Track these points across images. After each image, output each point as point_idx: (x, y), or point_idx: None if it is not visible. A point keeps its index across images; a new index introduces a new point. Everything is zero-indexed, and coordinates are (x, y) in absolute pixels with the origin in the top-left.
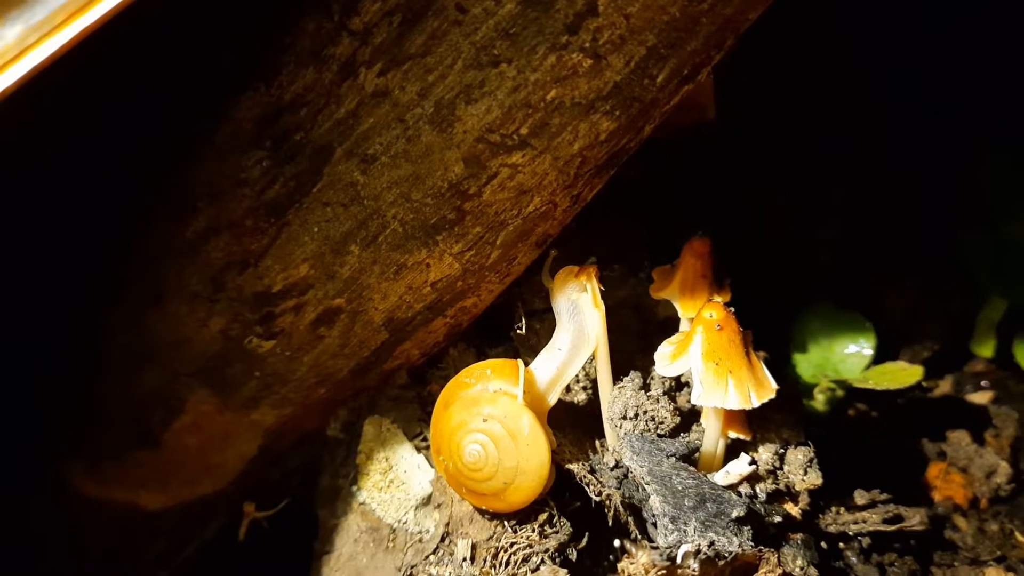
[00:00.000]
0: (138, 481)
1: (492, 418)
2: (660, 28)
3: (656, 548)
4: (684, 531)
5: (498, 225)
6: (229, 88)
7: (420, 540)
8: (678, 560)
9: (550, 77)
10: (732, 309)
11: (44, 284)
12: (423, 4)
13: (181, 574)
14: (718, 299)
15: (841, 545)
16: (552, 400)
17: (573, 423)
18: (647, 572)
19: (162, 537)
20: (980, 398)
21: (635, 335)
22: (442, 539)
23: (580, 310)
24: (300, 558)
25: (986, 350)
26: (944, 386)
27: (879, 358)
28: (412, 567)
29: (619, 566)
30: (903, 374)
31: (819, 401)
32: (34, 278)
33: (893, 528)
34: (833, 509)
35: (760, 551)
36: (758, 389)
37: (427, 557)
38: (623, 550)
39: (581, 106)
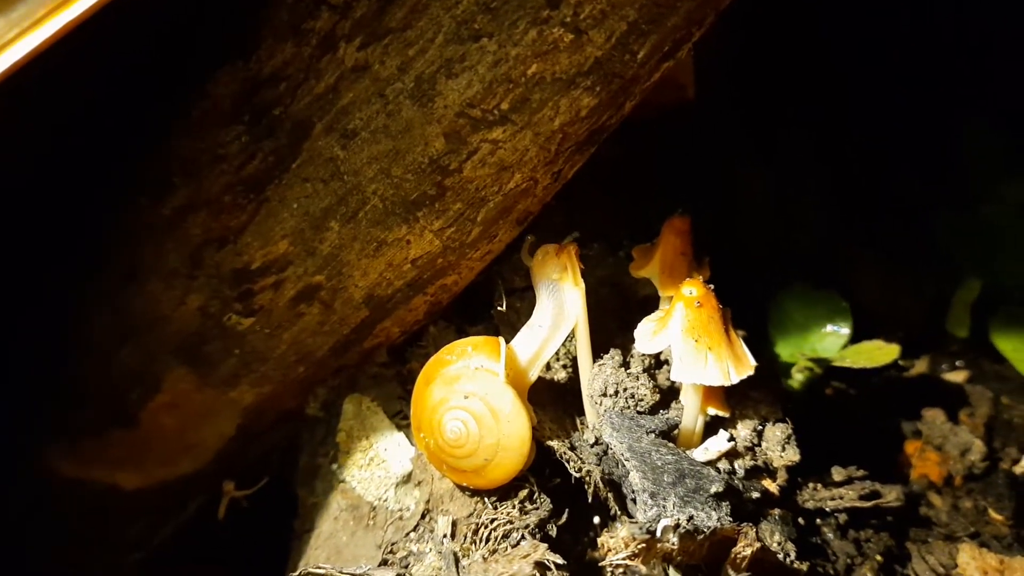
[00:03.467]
0: (116, 461)
1: (473, 395)
2: (641, 3)
3: (636, 523)
4: (663, 506)
5: (479, 202)
6: (205, 63)
7: (400, 517)
8: (657, 534)
9: (531, 52)
10: (712, 287)
11: (18, 262)
12: None
13: (159, 554)
14: (698, 277)
15: (818, 521)
16: (533, 377)
17: (553, 400)
18: (627, 545)
19: (140, 517)
20: (955, 377)
21: (615, 313)
22: (422, 516)
23: (560, 288)
24: (279, 537)
25: (961, 330)
26: (920, 366)
27: (856, 338)
28: (392, 544)
29: (599, 540)
30: (879, 353)
31: (796, 380)
32: (8, 256)
33: (869, 504)
34: (811, 485)
35: (739, 526)
36: (737, 365)
37: (407, 534)
38: (603, 525)
39: (562, 81)
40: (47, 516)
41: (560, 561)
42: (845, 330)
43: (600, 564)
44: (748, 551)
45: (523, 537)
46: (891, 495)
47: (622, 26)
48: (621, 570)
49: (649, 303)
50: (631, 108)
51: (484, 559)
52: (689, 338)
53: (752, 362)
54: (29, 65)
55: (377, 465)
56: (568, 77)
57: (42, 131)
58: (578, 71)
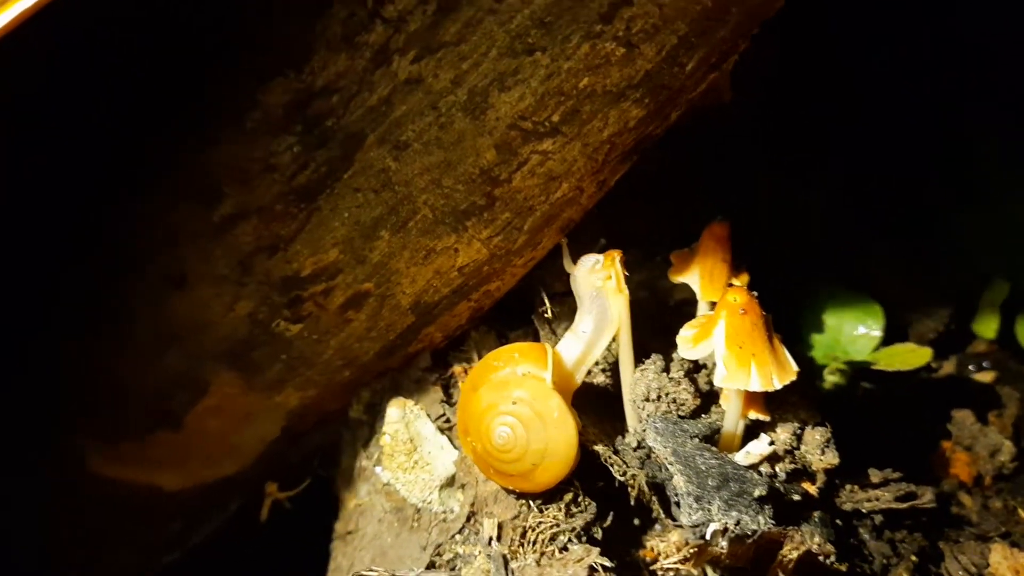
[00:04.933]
0: (157, 462)
1: (521, 401)
2: (692, 17)
3: (682, 527)
4: (708, 510)
5: (526, 211)
6: (258, 73)
7: (445, 520)
8: (707, 538)
9: (583, 65)
10: (755, 294)
11: (64, 265)
12: None
13: (196, 554)
14: (737, 282)
15: (855, 522)
16: (578, 382)
17: (593, 405)
18: (679, 550)
19: (179, 517)
20: (983, 378)
21: (651, 318)
22: (468, 519)
23: (604, 294)
24: (317, 537)
25: (989, 330)
26: (947, 366)
27: (885, 339)
28: (438, 546)
29: (648, 544)
30: (912, 355)
31: (828, 382)
32: (53, 254)
33: (905, 505)
34: (847, 487)
35: (785, 529)
36: (780, 372)
37: (453, 536)
38: (644, 528)
39: (612, 94)
40: (86, 515)
41: (609, 564)
42: (876, 332)
43: (651, 568)
44: (795, 554)
45: (570, 540)
46: (926, 496)
47: (672, 39)
48: (672, 574)
49: (686, 307)
50: (676, 118)
51: (537, 563)
52: (733, 345)
53: (795, 368)
54: (85, 68)
55: (421, 468)
56: (618, 90)
57: (91, 135)
58: (628, 84)
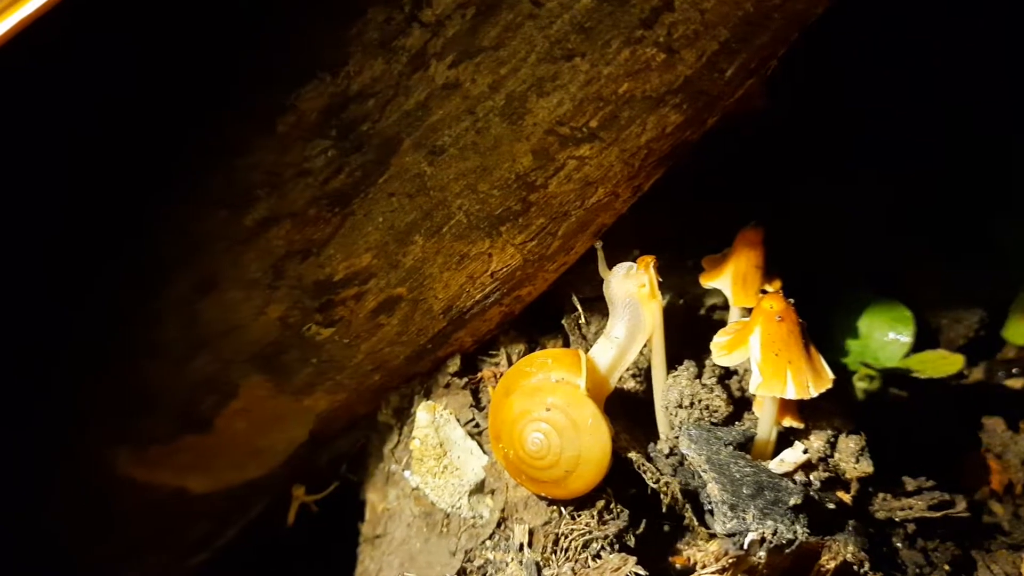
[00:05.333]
0: (186, 465)
1: (555, 407)
2: (734, 23)
3: (716, 535)
4: (743, 519)
5: (561, 216)
6: (292, 77)
7: (474, 525)
8: (745, 548)
9: (623, 71)
10: (792, 300)
11: (94, 266)
12: None
13: (222, 556)
14: (770, 288)
15: (887, 531)
16: (611, 388)
17: (624, 411)
18: (717, 560)
19: (206, 519)
20: (1014, 384)
21: (682, 323)
22: (498, 524)
23: (637, 300)
24: (343, 541)
25: (1019, 337)
26: (976, 373)
27: (915, 345)
28: (468, 551)
29: (685, 553)
30: (944, 363)
31: (858, 388)
32: (84, 259)
33: (939, 514)
34: (880, 495)
35: (823, 539)
36: (816, 380)
37: (483, 542)
38: (674, 536)
39: (651, 99)
40: (115, 520)
41: (644, 573)
42: (906, 338)
43: None
44: (832, 564)
45: (602, 548)
46: (960, 505)
47: (713, 45)
48: None
49: (716, 313)
50: (712, 123)
51: (573, 571)
52: (769, 352)
53: (831, 376)
54: (117, 73)
55: (451, 473)
56: (658, 95)
57: (121, 139)
58: (667, 89)
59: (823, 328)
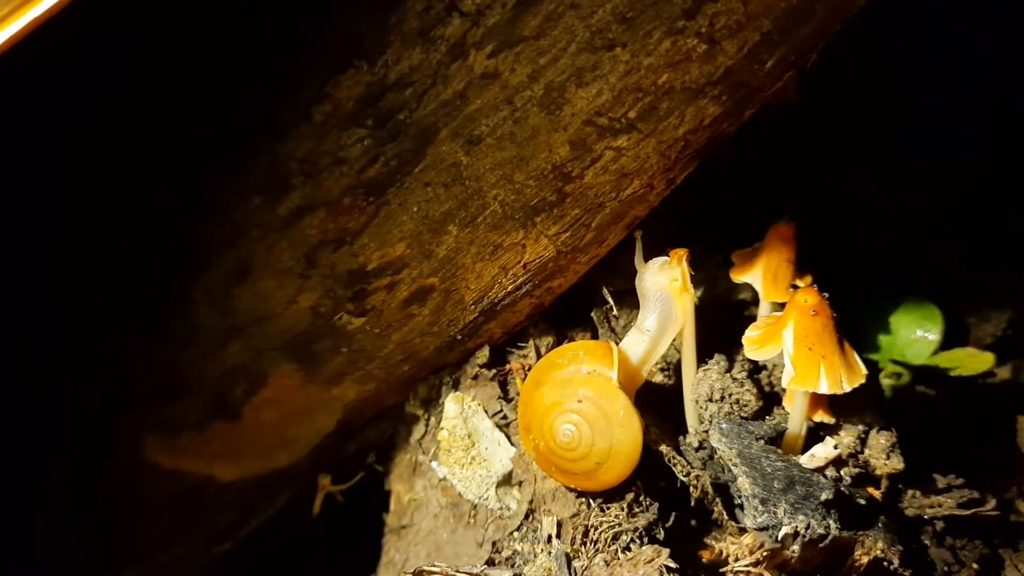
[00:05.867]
0: (214, 453)
1: (587, 399)
2: (776, 14)
3: (746, 529)
4: (774, 513)
5: (596, 207)
6: (330, 65)
7: (501, 517)
8: (779, 541)
9: (663, 62)
10: (826, 295)
11: (128, 253)
12: None
13: (246, 545)
14: (801, 284)
15: (917, 528)
16: (642, 380)
17: (653, 404)
18: (751, 552)
19: (232, 508)
20: None
21: (712, 318)
22: (526, 516)
23: (669, 293)
24: (368, 531)
25: None
26: (1004, 372)
27: (944, 343)
28: (496, 543)
29: (717, 546)
30: (973, 361)
31: (886, 385)
32: (119, 246)
33: (968, 512)
34: (910, 493)
35: (855, 534)
36: (849, 375)
37: (511, 533)
38: (702, 530)
39: (691, 91)
40: (144, 508)
41: (675, 566)
42: (934, 336)
43: (719, 570)
44: (865, 559)
45: (632, 540)
46: (989, 504)
47: (755, 36)
48: None
49: (747, 307)
50: (749, 115)
51: (606, 563)
52: (802, 347)
53: (864, 371)
54: (156, 61)
55: (479, 464)
56: (697, 87)
57: (160, 125)
58: (707, 80)
59: (851, 325)
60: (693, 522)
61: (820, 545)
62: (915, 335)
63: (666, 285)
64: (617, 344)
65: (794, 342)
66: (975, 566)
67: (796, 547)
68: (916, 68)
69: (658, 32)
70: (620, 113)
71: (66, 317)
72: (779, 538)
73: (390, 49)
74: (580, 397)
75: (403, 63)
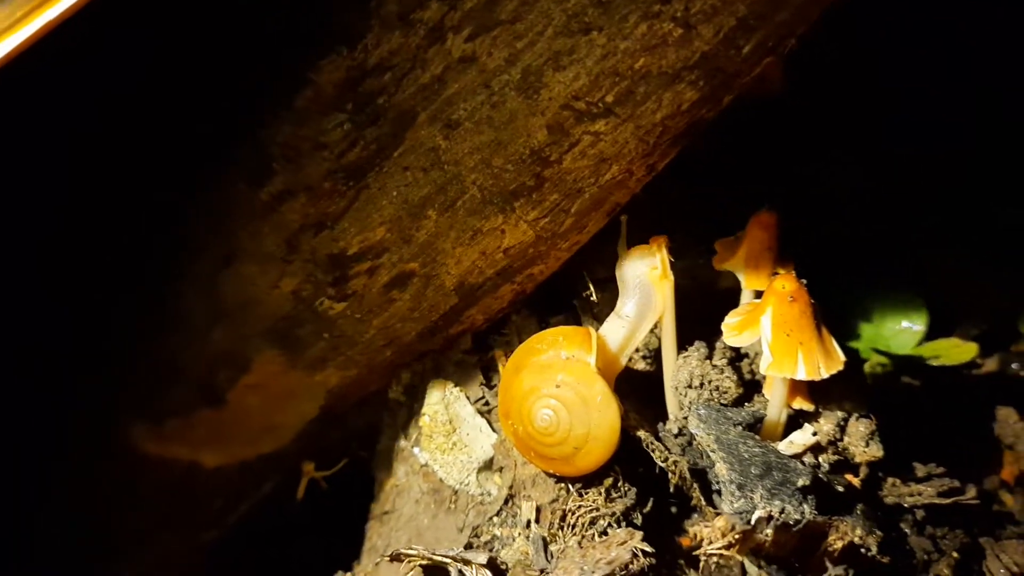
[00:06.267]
0: (200, 439)
1: (565, 384)
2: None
3: (733, 513)
4: (751, 498)
5: (575, 193)
6: (309, 50)
7: (482, 502)
8: (752, 524)
9: (640, 46)
10: (804, 281)
11: (114, 240)
12: None
13: (233, 532)
14: (788, 271)
15: (896, 516)
16: (621, 366)
17: (633, 390)
18: (724, 535)
19: (218, 495)
20: None
21: (694, 305)
22: (505, 501)
23: (648, 280)
24: (352, 516)
25: None
26: (990, 364)
27: (928, 334)
28: (475, 527)
29: (691, 530)
30: (956, 351)
31: (869, 375)
32: (105, 233)
33: (948, 501)
34: (890, 480)
35: (830, 519)
36: (827, 361)
37: (490, 519)
38: (681, 515)
39: (667, 75)
40: (133, 497)
41: (650, 550)
42: (919, 327)
43: (693, 553)
44: (840, 544)
45: (609, 525)
46: (969, 493)
47: (731, 21)
48: (715, 559)
49: (730, 295)
50: (728, 102)
51: (580, 545)
52: (780, 333)
53: (842, 358)
54: (138, 51)
55: (460, 450)
56: (674, 71)
57: (146, 113)
58: (684, 65)
59: (836, 314)
60: (673, 509)
61: (793, 529)
62: (900, 326)
63: (646, 272)
64: (597, 330)
65: (772, 328)
66: (955, 555)
67: (769, 531)
68: (901, 56)
69: (634, 16)
70: (597, 97)
71: (59, 311)
72: (752, 522)
73: (370, 33)
74: (558, 382)
75: (382, 47)
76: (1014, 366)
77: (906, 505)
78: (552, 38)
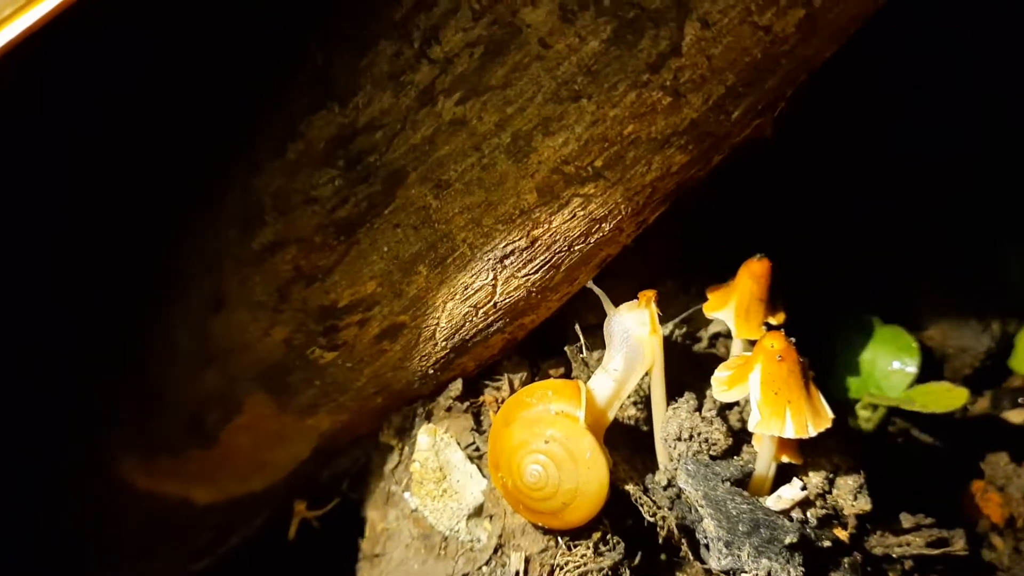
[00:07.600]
0: (191, 476)
1: (554, 440)
2: (741, 68)
3: (711, 571)
4: (738, 556)
5: (565, 251)
6: (301, 105)
7: (471, 549)
8: None
9: (629, 113)
10: (793, 340)
11: (109, 281)
12: (506, 37)
13: (224, 563)
14: (774, 321)
15: (884, 566)
16: (609, 419)
17: (623, 439)
18: None
19: (209, 528)
20: (1018, 417)
21: (684, 352)
22: (495, 550)
23: (635, 335)
24: (343, 557)
25: None
26: (982, 403)
27: (921, 375)
28: (464, 575)
29: None
30: (948, 396)
31: (861, 418)
32: (100, 273)
33: (937, 552)
34: (878, 532)
35: None
36: (815, 419)
37: (479, 568)
38: (669, 569)
39: (657, 141)
40: (122, 529)
41: None
42: (912, 368)
43: None
44: None
45: None
46: (958, 544)
47: (720, 89)
48: None
49: (720, 341)
50: (719, 161)
51: None
52: (768, 391)
53: (830, 415)
54: (135, 94)
55: (450, 496)
56: (663, 137)
57: (139, 159)
58: (673, 131)
59: (827, 356)
60: (663, 557)
61: None
62: (892, 367)
63: (634, 327)
64: (586, 383)
65: (761, 386)
66: None
67: None
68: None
69: (623, 85)
70: (587, 162)
71: (53, 332)
72: None
73: (361, 92)
74: (547, 438)
75: (373, 106)
76: (1005, 404)
77: (895, 556)
78: (542, 104)
